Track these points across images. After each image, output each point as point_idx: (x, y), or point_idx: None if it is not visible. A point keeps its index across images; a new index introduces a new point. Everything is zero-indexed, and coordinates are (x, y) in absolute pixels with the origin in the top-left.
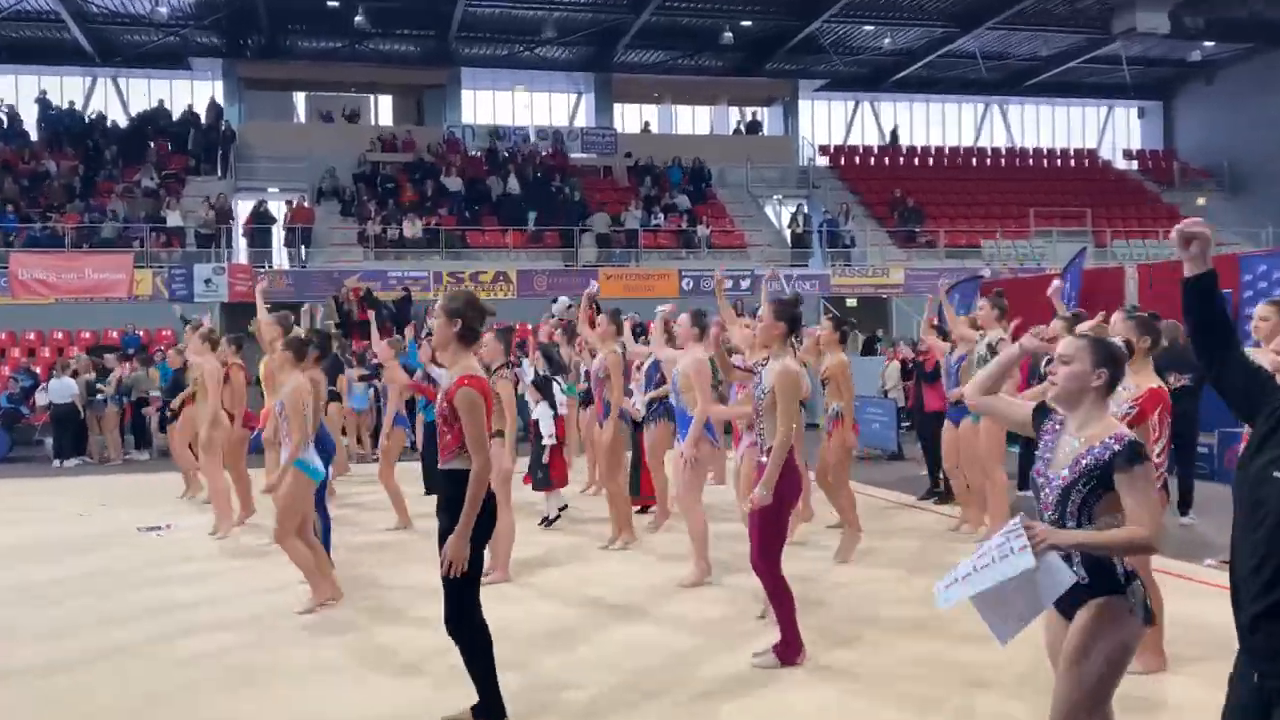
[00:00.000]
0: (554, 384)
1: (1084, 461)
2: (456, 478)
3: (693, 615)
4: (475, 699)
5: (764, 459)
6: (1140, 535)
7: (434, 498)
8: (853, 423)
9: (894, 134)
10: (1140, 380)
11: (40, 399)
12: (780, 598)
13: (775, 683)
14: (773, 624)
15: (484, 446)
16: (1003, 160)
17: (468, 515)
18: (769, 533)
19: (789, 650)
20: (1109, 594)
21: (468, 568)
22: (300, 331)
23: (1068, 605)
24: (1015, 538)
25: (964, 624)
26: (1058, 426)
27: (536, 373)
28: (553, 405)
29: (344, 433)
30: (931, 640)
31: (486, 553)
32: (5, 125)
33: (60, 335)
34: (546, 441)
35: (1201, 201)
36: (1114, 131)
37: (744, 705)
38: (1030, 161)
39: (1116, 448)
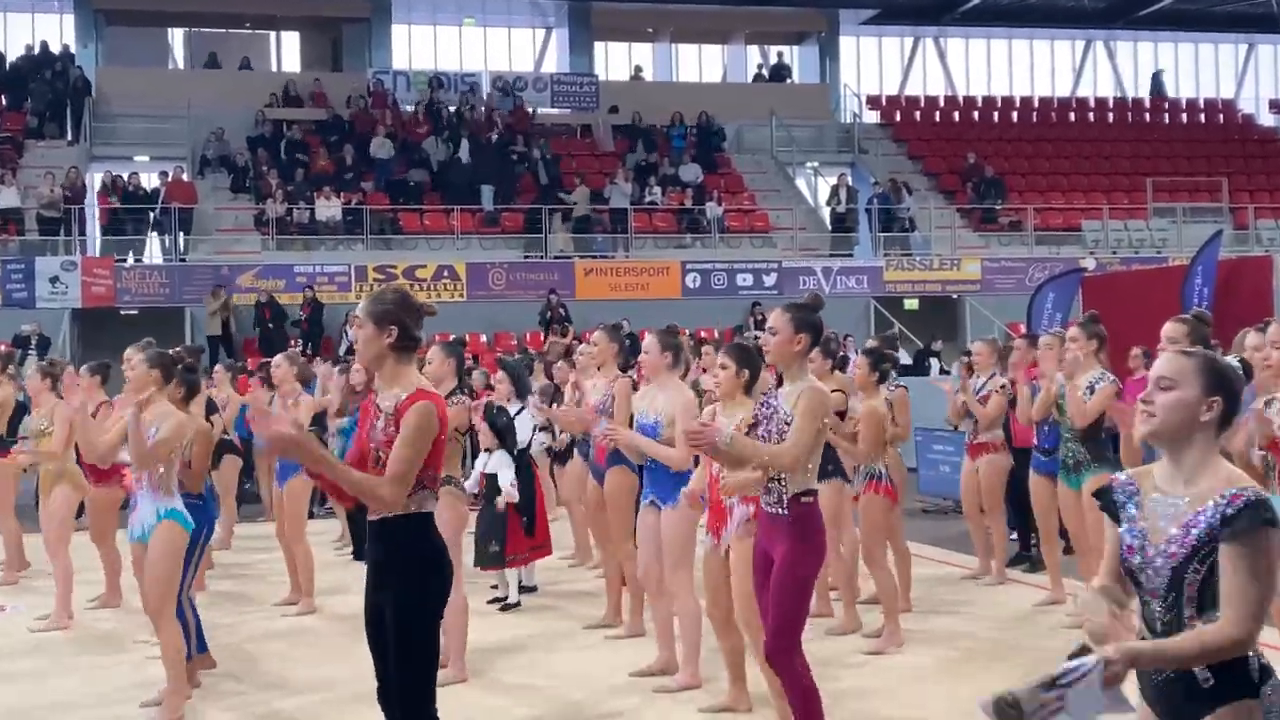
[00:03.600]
0: (517, 422)
1: (1195, 531)
2: (406, 526)
3: None
4: None
5: (783, 511)
6: (1220, 638)
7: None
8: (888, 482)
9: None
10: None
11: None
12: (804, 700)
13: None
14: None
15: (406, 480)
16: (1110, 115)
17: (330, 469)
18: (790, 610)
19: None
20: (1240, 698)
21: (427, 648)
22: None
23: (1187, 714)
24: (1100, 676)
25: None
26: (1131, 488)
27: (493, 408)
28: (513, 453)
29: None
30: None
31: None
32: None
33: None
34: (505, 498)
35: None
36: (1257, 76)
37: None
38: (1146, 116)
39: (1230, 510)
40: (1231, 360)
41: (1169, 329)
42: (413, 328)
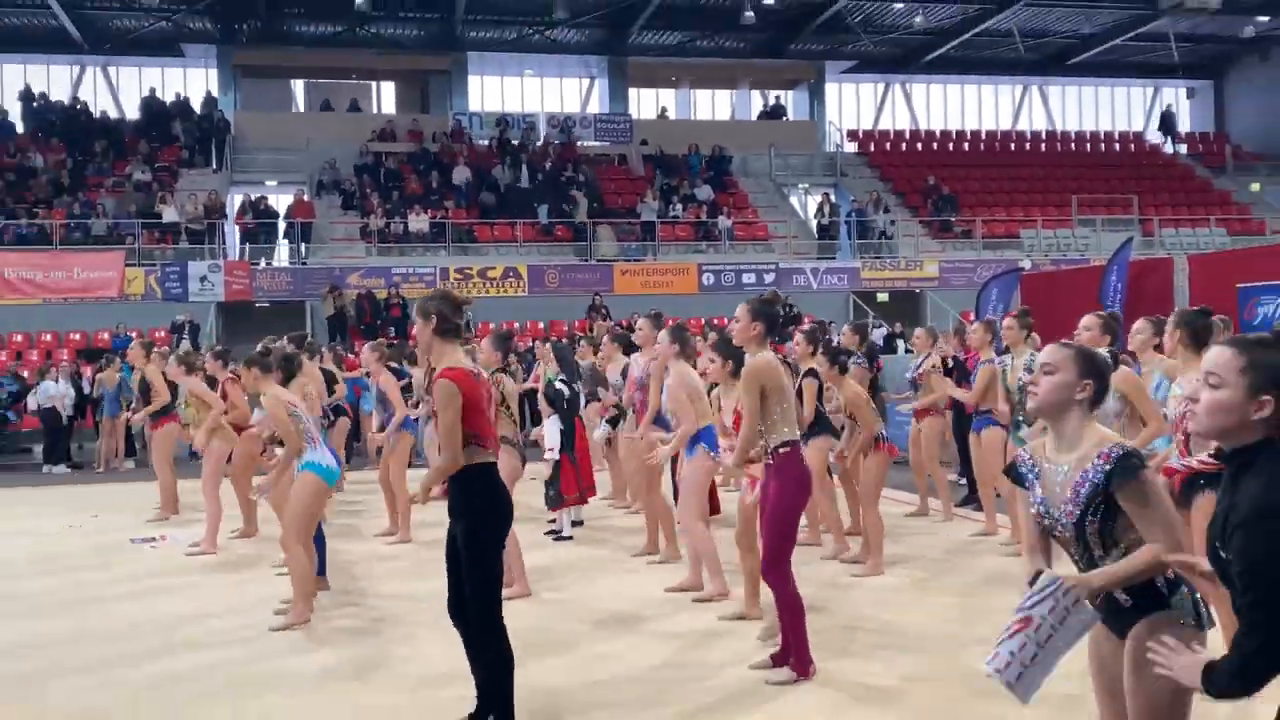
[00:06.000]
0: (567, 392)
1: (1083, 490)
2: (466, 475)
3: (701, 626)
4: (473, 707)
5: (770, 460)
6: (1148, 555)
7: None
8: (884, 442)
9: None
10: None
11: (30, 403)
12: (791, 609)
13: (781, 695)
14: (770, 640)
15: (453, 441)
16: (1043, 145)
17: (434, 477)
18: (779, 538)
19: (798, 663)
20: (1153, 611)
21: (489, 569)
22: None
23: (1123, 625)
24: (1063, 595)
25: (976, 633)
26: (1031, 463)
27: (549, 383)
28: (564, 417)
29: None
30: (942, 651)
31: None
32: None
33: (49, 337)
34: (548, 456)
35: (1256, 187)
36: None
37: (748, 716)
38: (1072, 146)
39: (1108, 467)
40: (1103, 352)
41: (1086, 320)
42: (450, 315)
